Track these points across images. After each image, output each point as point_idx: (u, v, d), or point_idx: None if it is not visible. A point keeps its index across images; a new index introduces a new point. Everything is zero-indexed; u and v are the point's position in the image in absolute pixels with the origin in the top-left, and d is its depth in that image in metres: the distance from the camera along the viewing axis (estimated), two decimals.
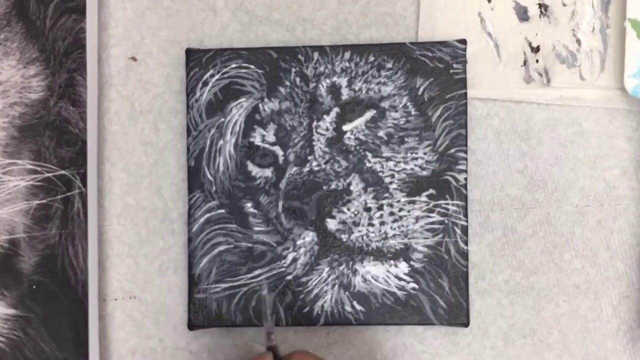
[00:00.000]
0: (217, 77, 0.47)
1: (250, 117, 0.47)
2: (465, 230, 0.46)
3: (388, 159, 0.46)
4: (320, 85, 0.47)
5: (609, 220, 0.47)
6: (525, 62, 0.48)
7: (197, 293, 0.46)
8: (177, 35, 0.49)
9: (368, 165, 0.46)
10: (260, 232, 0.46)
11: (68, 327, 0.47)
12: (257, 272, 0.46)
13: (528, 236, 0.48)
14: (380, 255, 0.46)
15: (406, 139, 0.46)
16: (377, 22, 0.49)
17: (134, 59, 0.49)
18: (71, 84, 0.47)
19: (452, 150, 0.46)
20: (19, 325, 0.47)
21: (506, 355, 0.47)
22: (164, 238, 0.49)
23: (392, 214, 0.46)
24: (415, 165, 0.46)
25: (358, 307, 0.46)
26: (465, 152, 0.46)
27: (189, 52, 0.47)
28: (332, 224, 0.46)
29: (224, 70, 0.47)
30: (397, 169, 0.46)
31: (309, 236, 0.46)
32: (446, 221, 0.46)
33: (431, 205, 0.46)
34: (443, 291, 0.46)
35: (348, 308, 0.46)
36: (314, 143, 0.46)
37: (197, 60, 0.47)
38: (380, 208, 0.46)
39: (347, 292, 0.46)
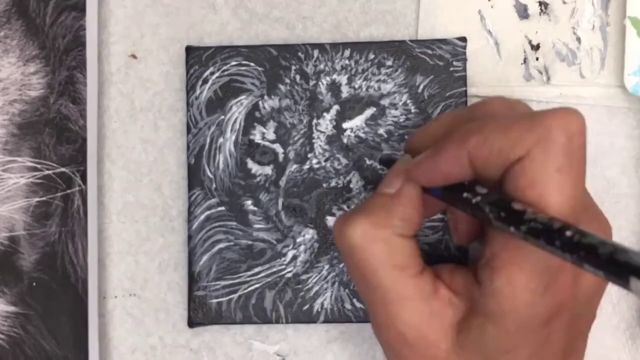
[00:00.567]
0: (217, 74, 0.47)
1: (250, 115, 0.47)
2: None
3: None
4: (320, 83, 0.47)
5: (609, 217, 0.47)
6: (525, 60, 0.48)
7: (197, 290, 0.46)
8: (177, 32, 0.49)
9: (368, 163, 0.46)
10: (260, 230, 0.46)
11: (68, 325, 0.47)
12: (257, 270, 0.46)
13: None
14: None
15: (406, 137, 0.46)
16: (377, 19, 0.49)
17: (134, 56, 0.49)
18: (71, 82, 0.47)
19: None
20: (18, 322, 0.47)
21: None
22: (164, 236, 0.49)
23: None
24: None
25: (358, 304, 0.46)
26: None
27: (189, 50, 0.47)
28: (332, 222, 0.46)
29: (224, 67, 0.47)
30: None
31: (309, 234, 0.46)
32: (446, 219, 0.46)
33: None
34: None
35: (348, 306, 0.46)
36: (314, 141, 0.46)
37: (197, 58, 0.47)
38: None
39: (347, 290, 0.46)
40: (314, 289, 0.46)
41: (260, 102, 0.47)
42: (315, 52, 0.47)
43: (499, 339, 0.34)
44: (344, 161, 0.46)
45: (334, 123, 0.46)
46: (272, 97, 0.47)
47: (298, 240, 0.46)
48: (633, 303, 0.47)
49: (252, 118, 0.47)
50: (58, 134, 0.47)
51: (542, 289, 0.33)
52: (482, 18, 0.48)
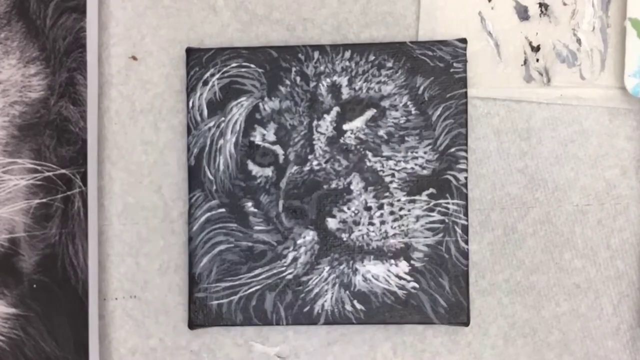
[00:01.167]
0: (217, 76, 0.47)
1: (250, 116, 0.47)
2: (465, 229, 0.46)
3: (388, 158, 0.46)
4: (320, 85, 0.47)
5: (609, 219, 0.47)
6: (525, 61, 0.48)
7: (197, 292, 0.46)
8: (178, 34, 0.49)
9: (368, 164, 0.46)
10: (260, 232, 0.46)
11: (68, 326, 0.47)
12: (257, 272, 0.46)
13: (528, 235, 0.48)
14: (380, 254, 0.46)
15: (406, 138, 0.46)
16: (378, 21, 0.49)
17: (134, 58, 0.49)
18: (71, 83, 0.47)
19: (453, 150, 0.46)
20: (19, 324, 0.47)
21: (506, 354, 0.47)
22: (165, 237, 0.49)
23: (392, 213, 0.46)
24: (416, 165, 0.46)
25: (358, 306, 0.46)
26: (466, 151, 0.46)
27: (190, 51, 0.47)
28: (332, 223, 0.46)
29: (225, 69, 0.47)
30: (397, 168, 0.46)
31: (310, 235, 0.46)
32: (446, 220, 0.46)
33: (431, 204, 0.46)
34: (443, 290, 0.46)
35: (348, 307, 0.46)
36: (314, 142, 0.46)
37: (197, 60, 0.47)
38: (380, 207, 0.46)
39: (347, 291, 0.46)
40: (315, 291, 0.46)
41: (260, 104, 0.47)
42: (316, 54, 0.47)
43: None
44: (344, 163, 0.46)
45: (335, 124, 0.46)
46: (273, 98, 0.47)
47: (298, 241, 0.46)
48: (634, 304, 0.47)
49: (253, 119, 0.47)
50: (58, 135, 0.47)
51: None
52: (483, 19, 0.48)
